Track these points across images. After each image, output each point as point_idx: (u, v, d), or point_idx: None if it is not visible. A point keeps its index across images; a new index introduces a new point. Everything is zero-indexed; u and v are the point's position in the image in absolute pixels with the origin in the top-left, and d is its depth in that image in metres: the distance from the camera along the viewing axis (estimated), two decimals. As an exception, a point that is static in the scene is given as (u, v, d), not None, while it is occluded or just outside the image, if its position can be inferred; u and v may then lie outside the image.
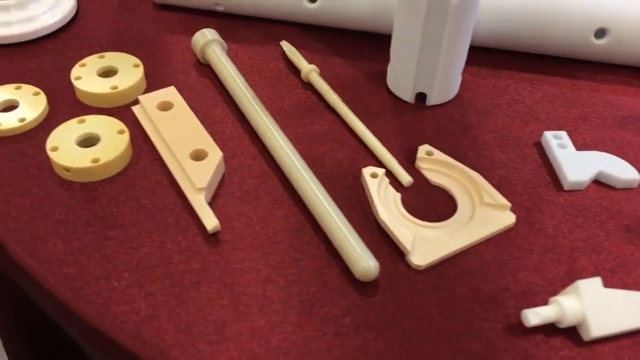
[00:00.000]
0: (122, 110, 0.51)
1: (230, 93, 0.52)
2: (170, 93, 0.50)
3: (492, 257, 0.42)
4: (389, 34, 0.58)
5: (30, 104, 0.50)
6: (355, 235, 0.41)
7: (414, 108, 0.53)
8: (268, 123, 0.48)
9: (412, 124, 0.52)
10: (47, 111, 0.50)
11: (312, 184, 0.43)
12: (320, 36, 0.60)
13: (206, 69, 0.55)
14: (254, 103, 0.49)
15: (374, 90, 0.55)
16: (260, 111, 0.49)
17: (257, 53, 0.58)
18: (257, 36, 0.60)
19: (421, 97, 0.53)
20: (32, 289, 0.42)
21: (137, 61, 0.53)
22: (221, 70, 0.53)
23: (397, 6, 0.49)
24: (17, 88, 0.51)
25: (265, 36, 0.60)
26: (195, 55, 0.57)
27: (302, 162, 0.45)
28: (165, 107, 0.49)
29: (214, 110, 0.52)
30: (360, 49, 0.59)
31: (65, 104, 0.51)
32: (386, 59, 0.57)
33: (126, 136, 0.47)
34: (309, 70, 0.54)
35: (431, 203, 0.45)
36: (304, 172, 0.44)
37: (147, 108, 0.49)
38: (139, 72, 0.52)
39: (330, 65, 0.57)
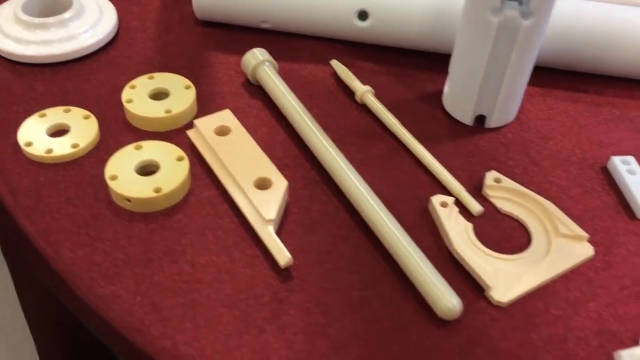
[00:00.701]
0: (173, 134, 0.50)
1: (286, 116, 0.50)
2: (226, 116, 0.49)
3: (568, 292, 0.41)
4: (443, 52, 0.57)
5: (81, 128, 0.48)
6: (434, 270, 0.39)
7: (472, 130, 0.52)
8: (330, 149, 0.46)
9: (471, 147, 0.50)
10: (98, 136, 0.48)
11: (383, 216, 0.42)
12: (369, 54, 0.58)
13: (256, 89, 0.54)
14: (313, 127, 0.48)
15: (429, 111, 0.53)
16: (320, 136, 0.47)
17: (306, 72, 0.56)
18: (305, 54, 0.58)
19: (480, 119, 0.52)
20: (93, 324, 0.41)
21: (188, 82, 0.52)
22: (275, 92, 0.51)
23: (461, 27, 0.48)
24: (67, 111, 0.49)
25: (313, 54, 0.58)
26: (243, 74, 0.55)
27: (370, 190, 0.44)
28: (223, 131, 0.48)
29: (269, 134, 0.50)
30: (411, 68, 0.57)
31: (116, 127, 0.50)
32: (440, 78, 0.56)
33: (186, 163, 0.45)
34: (364, 91, 0.52)
35: (502, 233, 0.44)
36: (373, 203, 0.43)
37: (204, 133, 0.47)
38: (191, 94, 0.51)
39: (381, 84, 0.55)
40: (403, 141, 0.50)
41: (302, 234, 0.43)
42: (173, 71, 0.55)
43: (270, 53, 0.58)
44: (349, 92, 0.55)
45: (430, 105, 0.54)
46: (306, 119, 0.49)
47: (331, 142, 0.47)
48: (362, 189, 0.44)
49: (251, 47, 0.58)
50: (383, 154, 0.49)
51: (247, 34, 0.60)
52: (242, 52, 0.57)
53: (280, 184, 0.44)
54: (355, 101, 0.54)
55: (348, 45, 0.59)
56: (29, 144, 0.46)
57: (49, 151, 0.46)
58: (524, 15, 0.44)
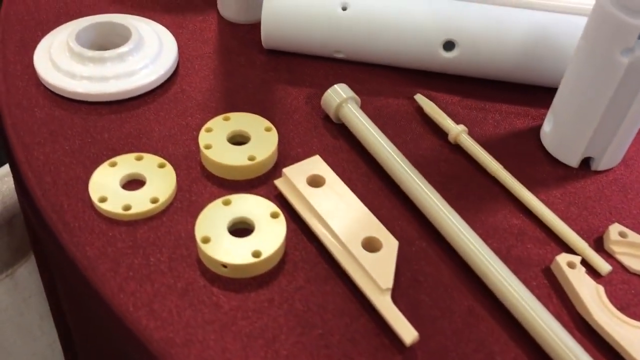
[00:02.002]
0: (256, 182, 0.45)
1: (378, 160, 0.46)
2: (316, 163, 0.44)
3: None
4: (537, 84, 0.53)
5: (158, 178, 0.43)
6: (578, 346, 0.35)
7: (578, 173, 0.48)
8: (438, 203, 0.42)
9: (581, 193, 0.46)
10: (176, 187, 0.44)
11: (511, 284, 0.38)
12: (454, 85, 0.54)
13: (338, 128, 0.49)
14: (413, 176, 0.43)
15: (526, 150, 0.49)
16: (424, 188, 0.43)
17: (388, 106, 0.52)
18: (384, 86, 0.54)
19: (585, 160, 0.48)
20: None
21: (268, 124, 0.47)
22: (364, 134, 0.47)
23: (575, 64, 0.44)
24: (139, 158, 0.44)
25: (393, 86, 0.54)
26: (319, 107, 0.51)
27: (488, 249, 0.40)
28: (317, 181, 0.43)
29: (361, 180, 0.46)
30: (501, 101, 0.53)
31: (192, 175, 0.45)
32: (536, 113, 0.52)
33: (282, 221, 0.40)
34: (459, 132, 0.48)
35: (635, 296, 0.40)
36: (498, 268, 0.38)
37: (296, 183, 0.42)
38: (273, 137, 0.46)
39: (470, 119, 0.51)
40: (509, 188, 0.46)
41: (421, 302, 0.39)
42: (242, 107, 0.50)
43: (345, 83, 0.53)
44: (438, 129, 0.50)
45: (527, 144, 0.50)
46: (404, 167, 0.44)
47: (436, 193, 0.43)
48: (481, 251, 0.39)
49: (322, 77, 0.54)
50: (486, 202, 0.45)
51: (315, 62, 0.55)
52: (314, 83, 0.53)
53: (390, 245, 0.39)
54: (446, 140, 0.49)
55: (430, 76, 0.55)
56: (103, 200, 0.41)
57: (127, 207, 0.41)
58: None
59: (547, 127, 0.49)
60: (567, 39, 0.50)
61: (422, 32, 0.51)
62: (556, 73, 0.51)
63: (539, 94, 0.54)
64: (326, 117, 0.50)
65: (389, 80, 0.54)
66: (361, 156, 0.47)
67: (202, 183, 0.44)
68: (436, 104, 0.52)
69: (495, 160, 0.46)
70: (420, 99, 0.51)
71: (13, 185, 0.94)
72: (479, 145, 0.47)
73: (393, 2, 0.51)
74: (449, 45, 0.52)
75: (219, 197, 0.43)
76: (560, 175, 0.47)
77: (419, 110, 0.52)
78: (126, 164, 0.44)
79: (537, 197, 0.45)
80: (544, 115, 0.52)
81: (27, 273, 1.15)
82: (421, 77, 0.55)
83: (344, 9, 0.52)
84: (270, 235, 0.39)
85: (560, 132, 0.47)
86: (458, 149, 0.49)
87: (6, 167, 0.92)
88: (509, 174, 0.46)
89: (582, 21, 0.50)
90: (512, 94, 0.54)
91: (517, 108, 0.53)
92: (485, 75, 0.53)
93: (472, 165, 0.48)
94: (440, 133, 0.50)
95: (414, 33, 0.51)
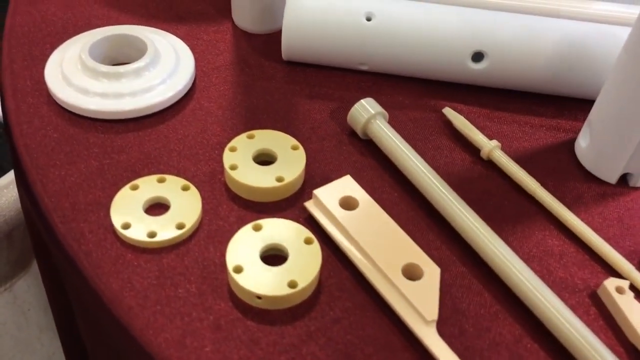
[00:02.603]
0: (284, 204, 0.43)
1: (411, 179, 0.44)
2: (347, 184, 0.42)
3: None
4: (570, 95, 0.51)
5: (182, 202, 0.41)
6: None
7: (616, 190, 0.46)
8: (477, 225, 0.40)
9: (623, 211, 0.44)
10: (202, 211, 0.41)
11: (562, 314, 0.36)
12: (482, 97, 0.52)
13: (366, 144, 0.47)
14: (451, 198, 0.41)
15: (561, 165, 0.47)
16: (462, 209, 0.41)
17: (413, 120, 0.50)
18: (408, 99, 0.52)
19: (622, 176, 0.46)
20: None
21: (295, 142, 0.45)
22: (395, 153, 0.45)
23: (615, 77, 0.42)
24: (161, 180, 0.42)
25: (419, 98, 0.52)
26: (344, 122, 0.49)
27: (534, 275, 0.38)
28: (349, 204, 0.41)
29: (394, 201, 0.44)
30: (532, 113, 0.51)
31: (217, 197, 0.43)
32: (568, 125, 0.50)
33: (316, 248, 0.38)
34: (492, 148, 0.46)
35: (687, 320, 0.38)
36: (546, 297, 0.37)
37: (329, 206, 0.40)
38: (301, 157, 0.44)
39: (501, 133, 0.49)
40: (547, 207, 0.44)
41: (466, 333, 0.37)
42: (264, 123, 0.48)
43: (369, 97, 0.51)
44: (468, 144, 0.48)
45: (561, 158, 0.48)
46: (439, 186, 0.42)
47: (474, 214, 0.41)
48: (523, 273, 0.38)
49: (345, 89, 0.52)
50: (523, 222, 0.43)
51: (336, 74, 0.53)
52: (337, 96, 0.51)
53: (432, 272, 0.38)
54: (478, 155, 0.47)
55: (457, 87, 0.53)
56: (126, 226, 0.39)
57: (152, 234, 0.39)
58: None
59: (582, 142, 0.47)
60: (602, 49, 0.48)
61: (450, 43, 0.49)
62: (590, 84, 0.50)
63: (570, 106, 0.52)
64: (352, 133, 0.48)
65: (414, 92, 0.52)
66: (391, 174, 0.45)
67: (227, 205, 0.42)
68: (465, 117, 0.50)
69: (532, 178, 0.45)
70: (449, 112, 0.49)
71: (12, 198, 0.91)
72: (513, 162, 0.46)
73: (419, 12, 0.49)
74: (477, 57, 0.50)
75: (246, 220, 0.41)
76: (599, 193, 0.46)
77: (448, 124, 0.50)
78: (148, 186, 0.42)
79: (575, 215, 0.43)
80: (577, 127, 0.50)
81: (27, 286, 1.12)
82: (447, 89, 0.53)
83: (369, 19, 0.50)
84: (305, 264, 0.37)
85: (598, 147, 0.45)
86: (491, 165, 0.47)
87: (5, 179, 0.89)
88: (547, 192, 0.44)
89: (617, 31, 0.48)
90: (542, 106, 0.52)
91: (549, 120, 0.51)
92: (515, 86, 0.51)
93: (506, 182, 0.46)
94: (471, 148, 0.48)
95: (441, 44, 0.49)
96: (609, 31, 0.48)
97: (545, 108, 0.52)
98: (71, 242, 0.39)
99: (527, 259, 0.41)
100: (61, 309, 0.67)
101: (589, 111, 0.51)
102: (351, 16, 0.49)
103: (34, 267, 1.14)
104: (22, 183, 0.44)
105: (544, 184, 0.46)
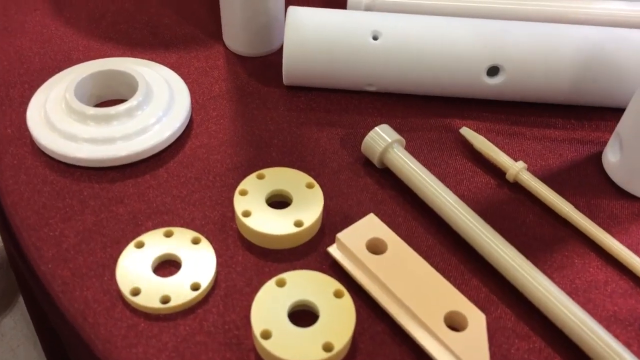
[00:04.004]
0: (303, 250, 0.39)
1: (438, 212, 0.41)
2: (372, 224, 0.39)
3: None
4: (591, 105, 0.49)
5: (194, 258, 0.37)
6: None
7: (651, 206, 0.43)
8: (517, 261, 0.37)
9: (660, 229, 0.42)
10: (216, 266, 0.38)
11: (618, 352, 0.33)
12: (497, 112, 0.49)
13: (383, 174, 0.44)
14: (484, 231, 0.38)
15: (590, 182, 0.45)
16: (499, 244, 0.38)
17: (428, 142, 0.47)
18: (422, 119, 0.48)
19: (656, 190, 0.43)
20: None
21: (309, 179, 0.41)
22: (417, 182, 0.41)
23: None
24: (168, 234, 0.38)
25: (431, 117, 0.48)
26: (359, 150, 0.45)
27: (586, 315, 0.35)
28: (377, 246, 0.38)
29: (422, 237, 0.40)
30: (553, 127, 0.48)
31: (230, 248, 0.39)
32: (593, 136, 0.47)
33: (349, 302, 0.35)
34: (518, 170, 0.43)
35: None
36: (603, 338, 0.34)
37: (356, 252, 0.37)
38: (318, 196, 0.40)
39: (523, 150, 0.46)
40: (583, 231, 0.41)
41: (508, 379, 0.34)
42: (271, 158, 0.45)
43: (378, 119, 0.48)
44: (490, 165, 0.45)
45: (589, 174, 0.45)
46: (469, 218, 0.39)
47: (512, 249, 0.38)
48: (573, 313, 0.35)
49: (354, 113, 0.48)
50: (559, 250, 0.40)
51: (341, 96, 0.50)
52: (345, 121, 0.48)
53: (477, 319, 0.34)
54: (502, 177, 0.44)
55: (471, 104, 0.50)
56: (136, 292, 0.35)
57: (165, 299, 0.35)
58: None
59: (612, 156, 0.44)
60: (626, 55, 0.45)
61: (463, 59, 0.46)
62: (615, 93, 0.47)
63: (591, 115, 0.49)
64: (367, 162, 0.45)
65: (427, 111, 0.49)
66: (414, 205, 0.42)
67: (243, 257, 0.39)
68: (483, 136, 0.47)
69: (564, 200, 0.42)
70: (467, 132, 0.46)
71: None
72: (543, 184, 0.43)
73: (428, 27, 0.46)
74: (493, 71, 0.47)
75: (265, 272, 0.37)
76: (633, 211, 0.43)
77: (467, 144, 0.47)
78: (155, 242, 0.38)
79: (614, 237, 0.41)
80: (601, 138, 0.48)
81: (13, 323, 1.07)
82: (461, 105, 0.49)
83: (375, 38, 0.46)
84: (338, 321, 0.34)
85: (631, 163, 0.43)
86: (517, 187, 0.44)
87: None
88: (582, 215, 0.41)
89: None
90: (561, 117, 0.49)
91: (570, 133, 0.48)
92: (534, 99, 0.48)
93: (536, 205, 0.43)
94: (494, 170, 0.45)
95: (454, 61, 0.46)
96: (633, 36, 0.46)
97: (565, 120, 0.49)
98: (75, 315, 0.35)
99: (571, 292, 0.38)
100: (51, 344, 0.63)
101: (612, 119, 0.49)
102: (357, 36, 0.46)
103: (20, 302, 1.09)
104: (14, 246, 0.40)
105: (575, 204, 0.43)
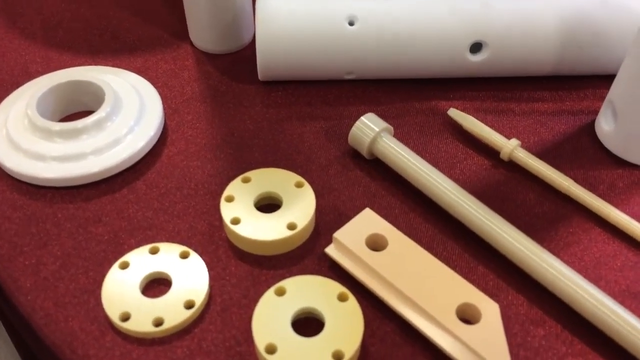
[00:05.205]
0: (297, 253, 0.37)
1: (436, 200, 0.39)
2: (369, 219, 0.37)
3: None
4: (579, 74, 0.47)
5: (184, 274, 0.35)
6: None
7: (649, 172, 0.42)
8: (524, 244, 0.35)
9: (662, 196, 0.41)
10: (209, 280, 0.35)
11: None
12: (482, 89, 0.47)
13: (373, 164, 0.42)
14: (487, 217, 0.37)
15: (585, 154, 0.43)
16: (503, 228, 0.36)
17: (416, 127, 0.45)
18: (406, 104, 0.46)
19: (654, 156, 0.42)
20: None
21: (298, 178, 0.39)
22: (410, 170, 0.39)
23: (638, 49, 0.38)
24: (154, 251, 0.36)
25: (415, 101, 0.46)
26: (345, 142, 0.43)
27: (605, 297, 0.33)
28: (377, 243, 0.36)
29: (421, 228, 0.38)
30: (541, 100, 0.47)
31: (221, 259, 0.36)
32: (585, 105, 0.46)
33: (354, 306, 0.33)
34: (512, 148, 0.42)
35: None
36: (628, 322, 0.32)
37: (355, 250, 0.35)
38: (308, 195, 0.38)
39: (513, 126, 0.45)
40: (587, 206, 0.39)
41: (528, 368, 0.32)
42: (255, 159, 0.42)
43: (362, 108, 0.46)
44: (482, 145, 0.44)
45: (583, 145, 0.44)
46: (469, 204, 0.37)
47: (518, 232, 0.36)
48: (592, 296, 0.33)
49: (334, 103, 0.46)
50: (564, 227, 0.39)
51: (319, 87, 0.47)
52: (327, 113, 0.45)
53: (491, 310, 0.33)
54: (497, 157, 0.43)
55: (456, 83, 0.48)
56: (125, 317, 0.33)
57: (158, 322, 0.33)
58: None
59: (605, 124, 0.43)
60: (608, 18, 0.44)
61: (445, 38, 0.44)
62: (603, 60, 0.45)
63: (577, 84, 0.48)
64: (355, 154, 0.43)
65: (411, 95, 0.47)
66: (409, 194, 0.40)
67: (236, 267, 0.36)
68: (472, 115, 0.45)
69: (563, 175, 0.40)
70: (455, 113, 0.44)
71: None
72: (539, 160, 0.41)
73: (407, 8, 0.44)
74: (476, 47, 0.45)
75: (261, 281, 0.35)
76: (634, 180, 0.42)
77: (456, 126, 0.45)
78: (140, 261, 0.35)
79: (616, 208, 0.39)
80: (591, 107, 0.46)
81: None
82: (445, 86, 0.48)
83: (351, 24, 0.44)
84: (346, 327, 0.32)
85: (626, 130, 0.41)
86: (513, 165, 0.42)
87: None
88: (582, 188, 0.40)
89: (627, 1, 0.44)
90: (548, 89, 0.48)
91: (559, 104, 0.47)
92: (520, 73, 0.47)
93: (535, 183, 0.41)
94: (487, 150, 0.43)
95: (434, 41, 0.44)
96: (618, 1, 0.44)
97: (553, 92, 0.48)
98: (62, 347, 0.32)
99: (581, 270, 0.37)
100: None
101: (600, 86, 0.48)
102: (332, 23, 0.44)
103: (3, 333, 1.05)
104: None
105: (573, 178, 0.42)
